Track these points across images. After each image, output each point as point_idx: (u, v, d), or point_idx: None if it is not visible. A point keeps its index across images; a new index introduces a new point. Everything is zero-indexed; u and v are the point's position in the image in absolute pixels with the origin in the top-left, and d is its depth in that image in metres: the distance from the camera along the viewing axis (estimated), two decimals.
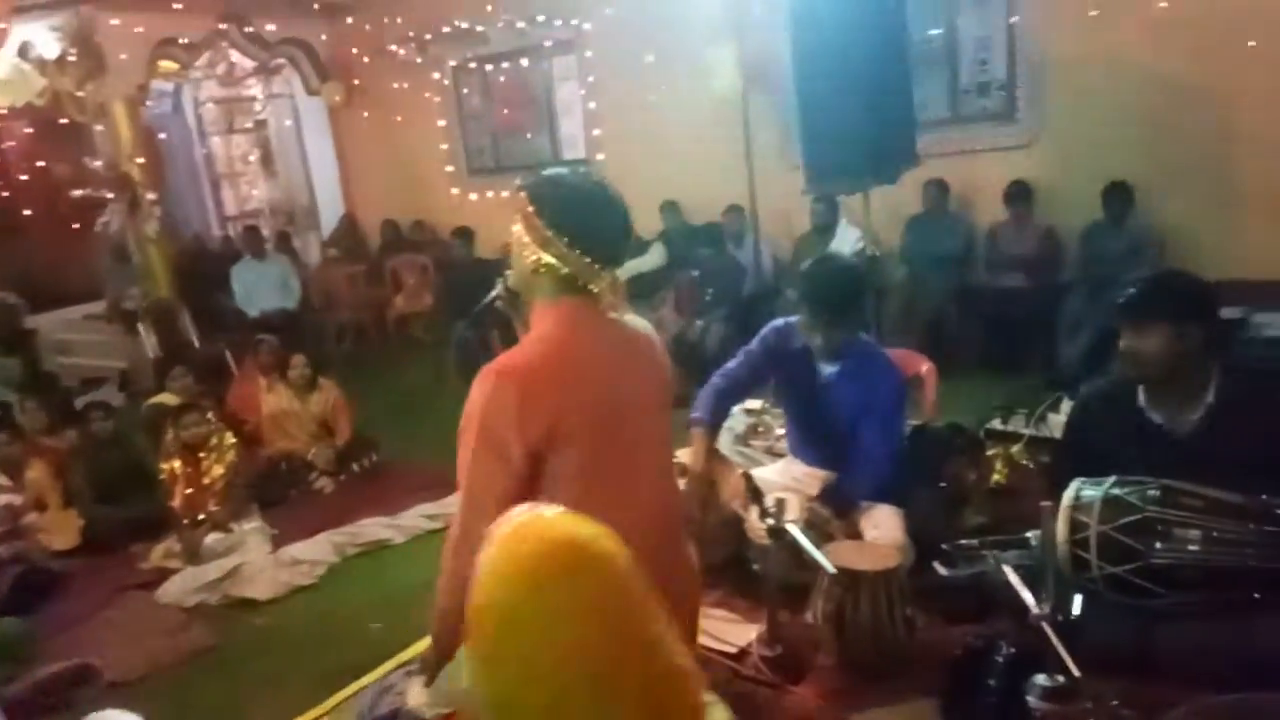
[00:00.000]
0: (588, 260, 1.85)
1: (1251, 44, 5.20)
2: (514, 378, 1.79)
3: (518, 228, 1.89)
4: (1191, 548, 2.19)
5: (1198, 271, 2.65)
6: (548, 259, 1.84)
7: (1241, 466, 2.26)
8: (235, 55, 8.96)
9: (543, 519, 1.19)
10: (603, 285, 1.89)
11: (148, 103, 8.49)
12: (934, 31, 6.44)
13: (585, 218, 1.87)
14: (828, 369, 3.07)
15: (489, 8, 7.91)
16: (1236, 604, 2.16)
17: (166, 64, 8.17)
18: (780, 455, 3.53)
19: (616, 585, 1.16)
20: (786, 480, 3.19)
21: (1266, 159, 5.37)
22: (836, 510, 2.96)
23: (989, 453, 3.53)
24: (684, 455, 2.96)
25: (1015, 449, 3.54)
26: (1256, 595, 2.15)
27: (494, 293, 2.13)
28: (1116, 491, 2.30)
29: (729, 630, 2.67)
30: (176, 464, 4.57)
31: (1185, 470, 2.30)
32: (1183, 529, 2.20)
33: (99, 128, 7.64)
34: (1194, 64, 5.43)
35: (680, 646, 1.23)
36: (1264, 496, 2.21)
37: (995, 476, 3.42)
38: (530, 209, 1.87)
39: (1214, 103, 5.46)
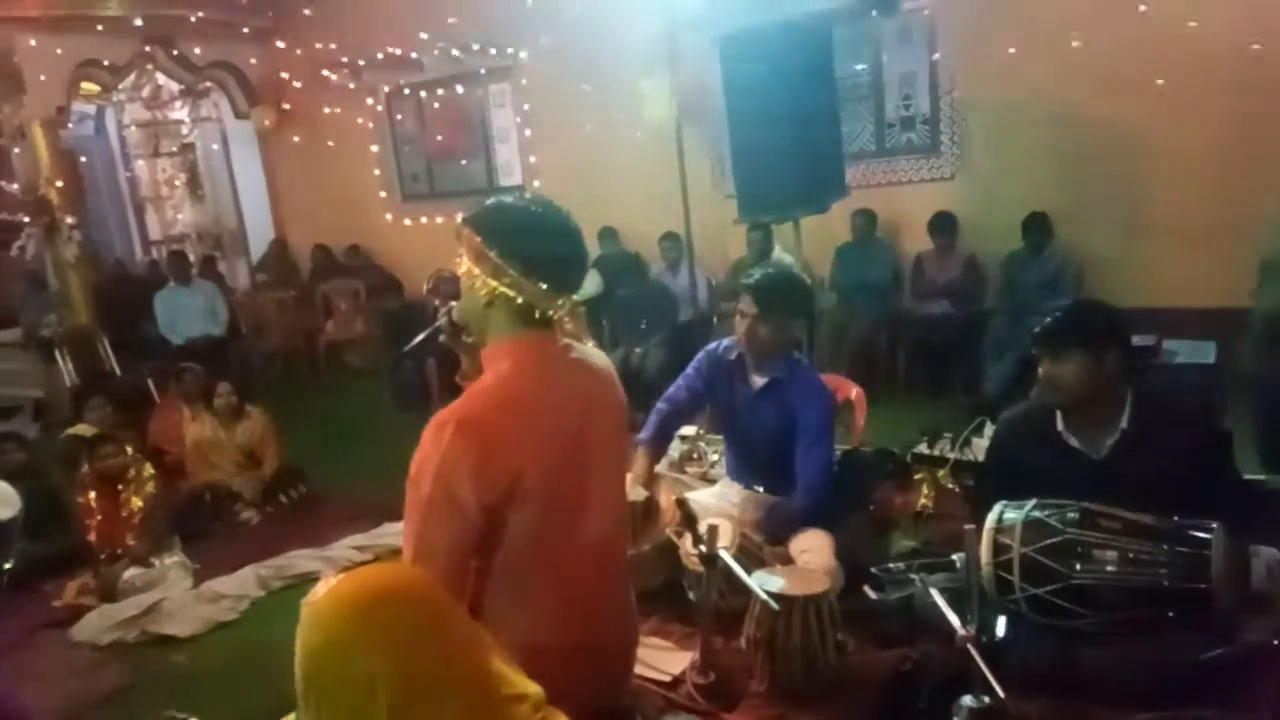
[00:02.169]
0: (544, 287, 1.78)
1: (1159, 82, 5.45)
2: (473, 432, 1.70)
3: (465, 265, 1.82)
4: (1110, 568, 2.26)
5: (1111, 300, 2.75)
6: (502, 289, 1.77)
7: (1154, 488, 2.35)
8: (161, 78, 8.78)
9: (342, 580, 1.29)
10: (561, 313, 1.83)
11: (68, 125, 8.25)
12: (859, 67, 6.63)
13: (538, 242, 1.80)
14: (758, 381, 3.13)
15: (423, 35, 7.89)
16: (1152, 623, 2.23)
17: (88, 86, 7.96)
18: (714, 482, 3.56)
19: (416, 619, 1.25)
20: (722, 504, 3.21)
21: (1175, 192, 5.62)
22: (771, 539, 2.99)
23: (916, 477, 3.59)
24: (627, 479, 2.96)
25: (941, 473, 3.61)
26: (1170, 614, 2.22)
27: (436, 324, 2.05)
28: (1037, 514, 2.36)
29: (663, 658, 2.66)
30: (92, 497, 4.41)
31: (1102, 492, 2.38)
32: (1101, 550, 2.27)
33: (16, 150, 7.40)
34: (1106, 101, 5.66)
35: (513, 676, 1.34)
36: (1175, 518, 2.29)
37: (922, 500, 3.48)
38: (477, 240, 1.79)
39: (1125, 138, 5.69)
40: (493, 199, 1.90)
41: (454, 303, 1.97)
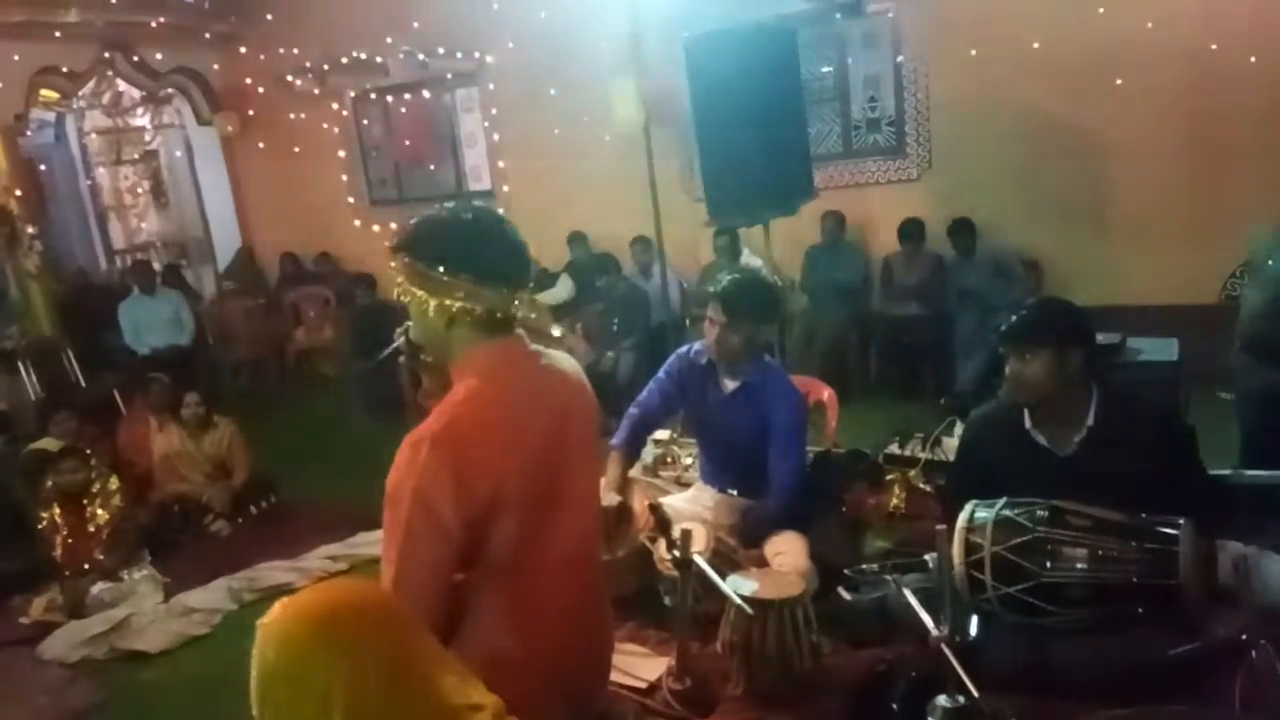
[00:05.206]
0: (499, 288, 1.76)
1: (1118, 82, 5.53)
2: (449, 447, 1.66)
3: (409, 292, 1.77)
4: (1079, 566, 2.28)
5: (1076, 298, 2.78)
6: (458, 305, 1.73)
7: (1121, 485, 2.38)
8: (122, 84, 8.66)
9: (294, 598, 1.29)
10: (522, 310, 1.81)
11: (27, 133, 8.12)
12: (825, 69, 6.66)
13: (479, 245, 1.77)
14: (730, 384, 3.13)
15: (388, 39, 7.85)
16: (1122, 619, 2.26)
17: (47, 93, 7.83)
18: (688, 485, 3.56)
19: (368, 632, 1.25)
20: (696, 508, 3.22)
21: (1136, 191, 5.70)
22: (745, 542, 3.00)
23: (888, 478, 3.61)
24: (601, 484, 2.95)
25: (913, 473, 3.62)
26: (1140, 610, 2.25)
27: (394, 345, 2.00)
28: (1007, 513, 2.38)
29: (639, 664, 2.66)
30: (56, 512, 4.34)
31: (1070, 490, 2.40)
32: (1071, 548, 2.29)
33: None
34: (1066, 101, 5.74)
35: (470, 686, 1.34)
36: (1143, 515, 2.33)
37: (894, 501, 3.50)
38: (418, 264, 1.75)
39: (1086, 138, 5.77)
40: (414, 219, 1.83)
41: (409, 323, 1.91)
